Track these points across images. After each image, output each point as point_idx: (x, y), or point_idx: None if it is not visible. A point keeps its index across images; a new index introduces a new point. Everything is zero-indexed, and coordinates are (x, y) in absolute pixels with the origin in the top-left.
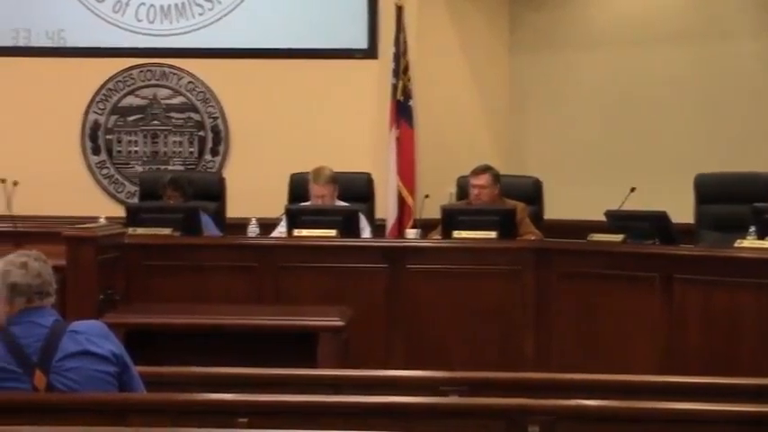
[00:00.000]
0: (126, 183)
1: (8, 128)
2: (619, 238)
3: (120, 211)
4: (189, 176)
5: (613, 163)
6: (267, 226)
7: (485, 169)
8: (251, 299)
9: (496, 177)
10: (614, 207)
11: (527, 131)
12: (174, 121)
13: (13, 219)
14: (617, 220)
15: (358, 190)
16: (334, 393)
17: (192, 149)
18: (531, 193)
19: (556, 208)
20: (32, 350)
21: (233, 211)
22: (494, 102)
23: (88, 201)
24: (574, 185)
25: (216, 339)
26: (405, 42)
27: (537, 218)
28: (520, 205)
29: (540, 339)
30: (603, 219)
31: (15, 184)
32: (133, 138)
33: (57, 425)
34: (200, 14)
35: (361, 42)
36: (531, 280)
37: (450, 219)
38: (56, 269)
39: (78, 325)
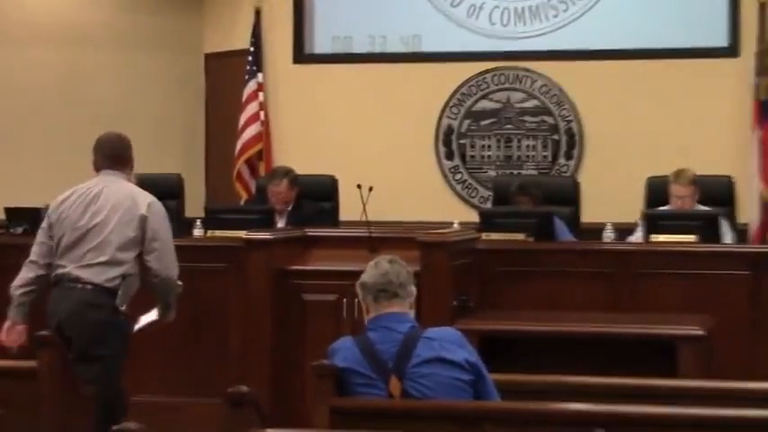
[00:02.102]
0: (479, 187)
1: (364, 133)
2: None
3: (473, 217)
4: (537, 180)
5: None
6: (623, 231)
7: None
8: (606, 306)
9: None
10: None
11: None
12: (527, 124)
13: (368, 224)
14: None
15: (718, 193)
16: (696, 405)
17: (545, 153)
18: None
19: None
20: (388, 356)
21: (587, 215)
22: None
23: (442, 206)
24: None
25: (568, 347)
26: None
27: None
28: None
29: None
30: None
31: (371, 189)
32: (486, 142)
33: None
34: (555, 16)
35: (722, 40)
36: None
37: None
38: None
39: (433, 332)
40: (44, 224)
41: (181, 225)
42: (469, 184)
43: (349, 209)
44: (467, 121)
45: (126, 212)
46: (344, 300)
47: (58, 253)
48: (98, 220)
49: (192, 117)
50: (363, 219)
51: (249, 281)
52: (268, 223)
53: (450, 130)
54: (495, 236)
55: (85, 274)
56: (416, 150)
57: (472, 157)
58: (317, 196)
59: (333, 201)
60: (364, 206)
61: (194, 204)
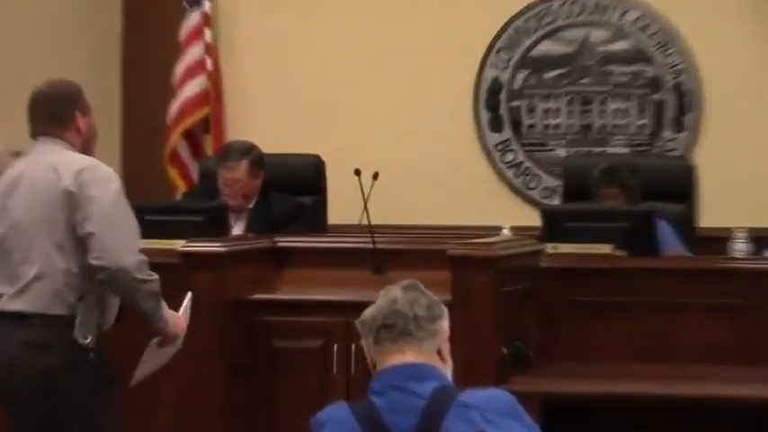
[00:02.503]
0: (542, 174)
1: (365, 92)
2: None
3: (532, 218)
4: (631, 164)
5: None
6: (760, 241)
7: None
8: (736, 356)
9: None
10: None
11: None
12: (614, 78)
13: (371, 230)
14: None
15: None
16: None
17: (642, 122)
18: None
19: None
20: None
21: (708, 217)
22: None
23: (484, 202)
24: None
25: (679, 419)
26: None
27: None
28: None
29: None
30: None
31: (376, 177)
32: (553, 104)
33: None
34: None
35: None
36: None
37: None
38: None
39: (471, 395)
40: None
41: None
42: (527, 168)
43: (342, 206)
44: (522, 73)
45: (48, 194)
46: (335, 346)
47: None
48: (18, 215)
49: (102, 69)
50: (364, 222)
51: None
52: (218, 228)
53: (496, 87)
54: (566, 248)
55: (18, 303)
56: (445, 117)
57: (531, 127)
58: (294, 187)
59: (317, 194)
60: (365, 203)
61: None
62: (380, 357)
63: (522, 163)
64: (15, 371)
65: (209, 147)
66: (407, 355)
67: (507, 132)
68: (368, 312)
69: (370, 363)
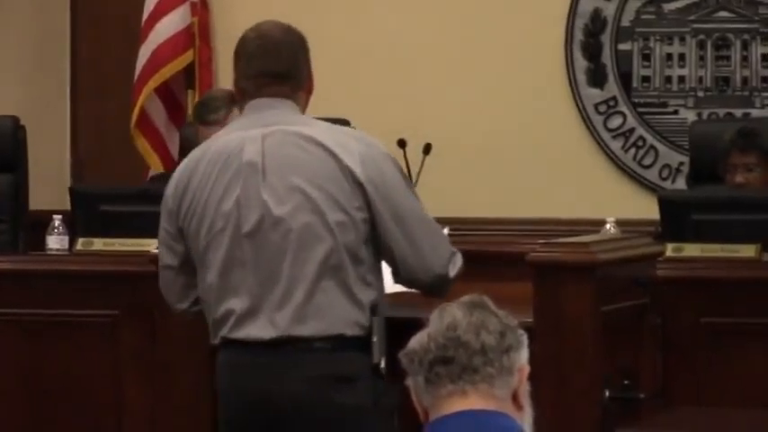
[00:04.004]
0: (658, 144)
1: (410, 32)
2: None
3: (647, 207)
4: None
5: None
6: None
7: None
8: None
9: None
10: None
11: None
12: (761, 11)
13: None
14: None
15: None
16: None
17: None
18: None
19: None
20: None
21: None
22: None
23: (579, 185)
24: None
25: None
26: None
27: None
28: None
29: None
30: None
31: (428, 150)
32: (676, 49)
33: None
34: None
35: None
36: None
37: None
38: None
39: None
40: (163, 220)
41: (19, 227)
42: (639, 138)
43: None
44: (635, 3)
45: (330, 173)
46: None
47: (209, 282)
48: (281, 207)
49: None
50: None
51: (167, 348)
52: None
53: (598, 23)
54: (693, 249)
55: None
56: (522, 67)
57: (645, 81)
58: None
59: None
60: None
61: (48, 183)
62: (435, 402)
63: (632, 130)
64: (303, 407)
65: (193, 107)
66: (472, 400)
67: (612, 88)
68: (417, 341)
69: (421, 410)
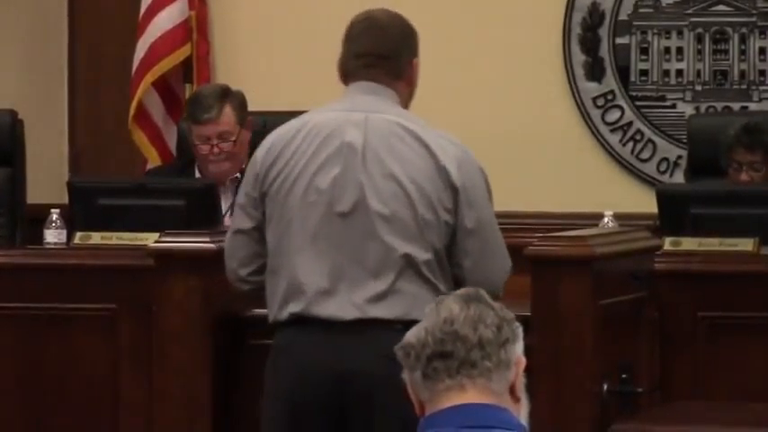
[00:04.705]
0: (657, 139)
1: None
2: None
3: (645, 202)
4: None
5: None
6: None
7: None
8: None
9: None
10: None
11: None
12: (760, 4)
13: None
14: None
15: None
16: None
17: None
18: None
19: None
20: None
21: None
22: None
23: (577, 179)
24: None
25: None
26: None
27: None
28: None
29: None
30: None
31: None
32: (673, 42)
33: None
34: None
35: None
36: None
37: None
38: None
39: None
40: (247, 184)
41: (16, 221)
42: (637, 131)
43: None
44: None
45: (427, 170)
46: None
47: (287, 252)
48: (376, 194)
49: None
50: None
51: (164, 341)
52: (206, 215)
53: (596, 17)
54: (691, 243)
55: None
56: (521, 60)
57: (643, 74)
58: None
59: None
60: None
61: (45, 177)
62: (432, 397)
63: (630, 124)
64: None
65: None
66: (470, 394)
67: (610, 82)
68: (413, 335)
69: (417, 405)
